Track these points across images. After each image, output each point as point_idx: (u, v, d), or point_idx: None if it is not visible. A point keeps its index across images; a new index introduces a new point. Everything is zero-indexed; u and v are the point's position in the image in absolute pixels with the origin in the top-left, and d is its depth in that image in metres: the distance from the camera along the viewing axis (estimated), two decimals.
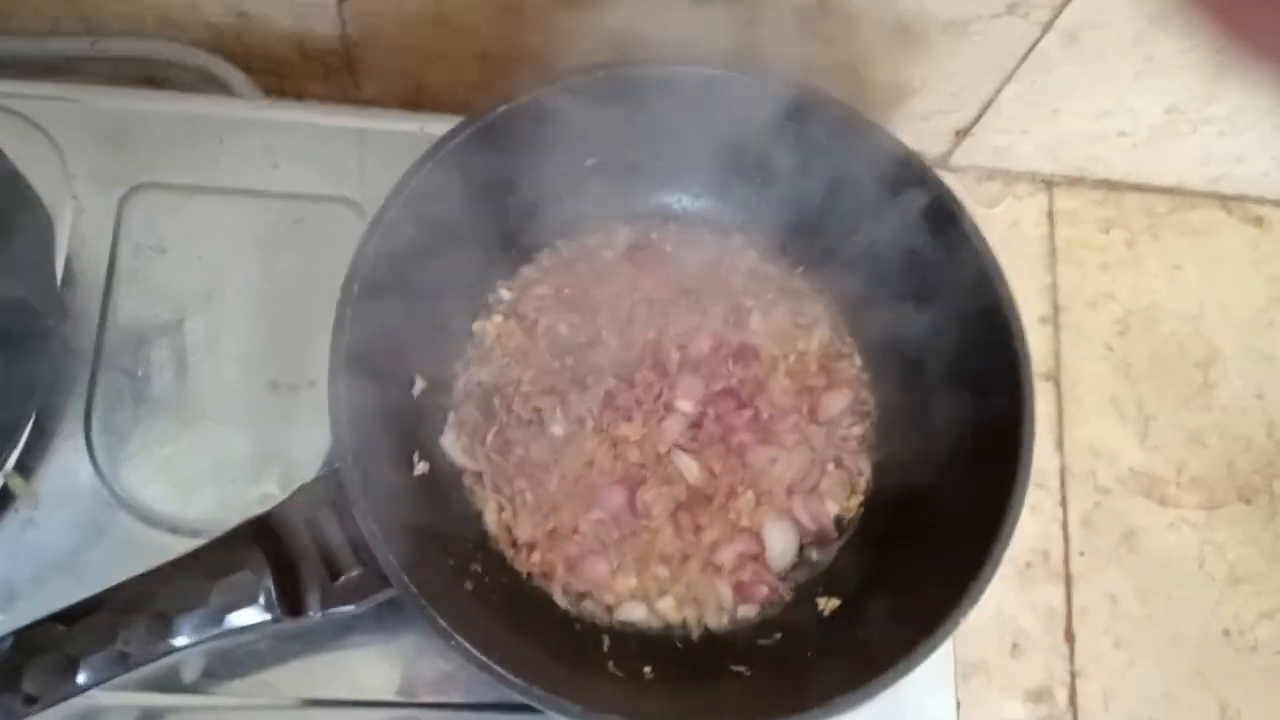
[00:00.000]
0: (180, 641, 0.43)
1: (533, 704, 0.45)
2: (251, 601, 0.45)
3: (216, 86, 0.67)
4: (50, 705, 0.42)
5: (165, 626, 0.43)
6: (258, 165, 0.60)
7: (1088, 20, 0.60)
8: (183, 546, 0.49)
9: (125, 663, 0.42)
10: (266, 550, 0.46)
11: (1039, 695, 0.66)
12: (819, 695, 0.48)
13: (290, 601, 0.45)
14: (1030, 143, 0.74)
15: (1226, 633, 0.69)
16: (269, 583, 0.45)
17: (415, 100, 0.71)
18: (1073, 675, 0.67)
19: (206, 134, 0.60)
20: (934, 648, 0.48)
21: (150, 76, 0.68)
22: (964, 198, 0.56)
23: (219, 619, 0.44)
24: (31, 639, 0.42)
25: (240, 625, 0.45)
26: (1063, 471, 0.71)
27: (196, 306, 0.57)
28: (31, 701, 0.41)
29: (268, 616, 0.45)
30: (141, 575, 0.45)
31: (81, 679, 0.42)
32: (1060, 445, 0.71)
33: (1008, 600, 0.67)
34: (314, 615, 0.46)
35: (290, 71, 0.69)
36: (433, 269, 0.54)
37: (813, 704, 0.48)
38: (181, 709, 0.51)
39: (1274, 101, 0.67)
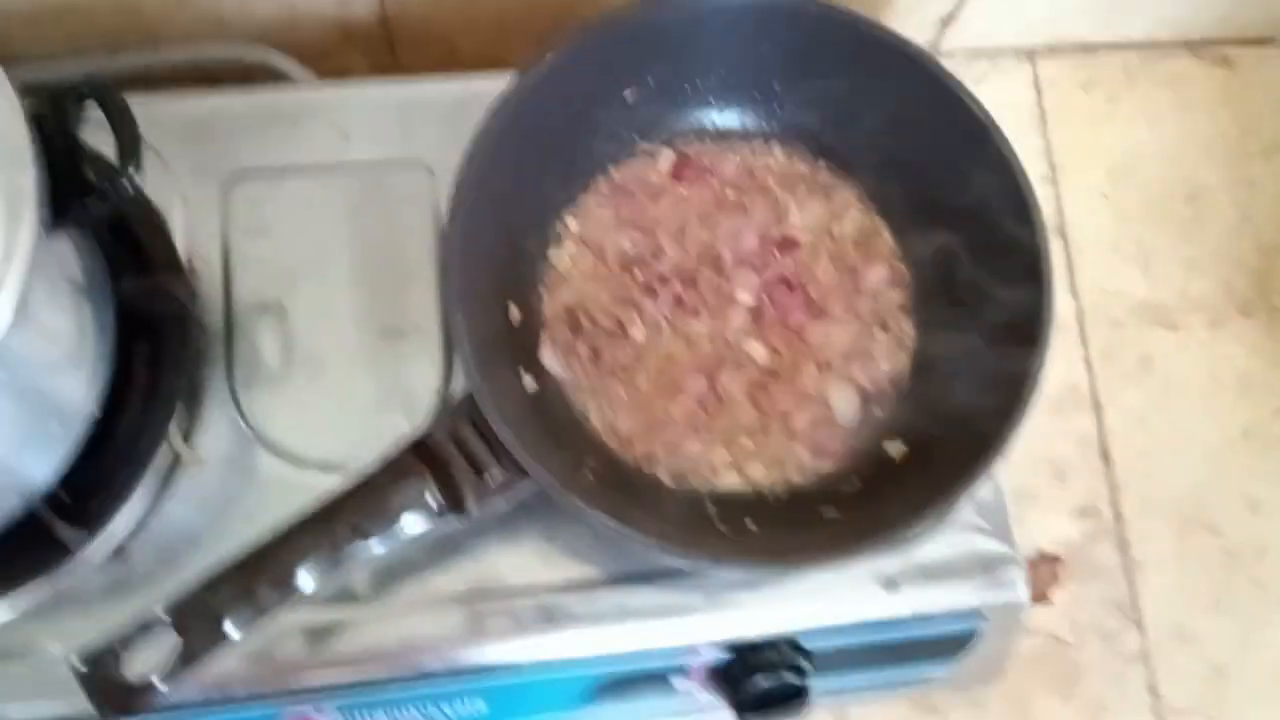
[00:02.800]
0: (374, 545, 0.52)
1: (666, 556, 0.53)
2: (422, 505, 0.53)
3: (272, 77, 0.74)
4: (280, 608, 0.50)
5: (359, 533, 0.51)
6: (330, 141, 0.67)
7: None
8: (331, 481, 0.57)
9: (333, 566, 0.51)
10: (426, 464, 0.54)
11: (1085, 512, 0.75)
12: (900, 520, 0.56)
13: (453, 502, 0.54)
14: (1008, 21, 0.81)
15: (1245, 433, 0.77)
16: (433, 489, 0.53)
17: (448, 62, 0.78)
18: (1112, 490, 0.75)
19: (279, 120, 0.67)
20: (989, 466, 0.56)
21: (208, 76, 0.75)
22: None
23: (398, 522, 0.52)
24: (254, 560, 0.50)
25: (416, 526, 0.53)
26: (1079, 313, 0.79)
27: (305, 274, 0.64)
28: (263, 608, 0.49)
29: (437, 516, 0.53)
30: (332, 497, 0.53)
31: (301, 584, 0.50)
32: (1073, 290, 0.79)
33: (1046, 433, 0.76)
34: (473, 511, 0.54)
35: (334, 52, 0.75)
36: (509, 211, 0.62)
37: (892, 529, 0.56)
38: (358, 619, 0.59)
39: None
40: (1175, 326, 0.78)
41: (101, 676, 0.48)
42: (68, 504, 0.56)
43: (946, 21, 0.80)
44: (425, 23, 0.73)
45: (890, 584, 0.62)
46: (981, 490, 0.64)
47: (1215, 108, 0.84)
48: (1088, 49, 0.84)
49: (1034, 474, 0.75)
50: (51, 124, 0.49)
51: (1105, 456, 0.76)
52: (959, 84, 0.62)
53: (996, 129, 0.61)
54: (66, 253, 0.55)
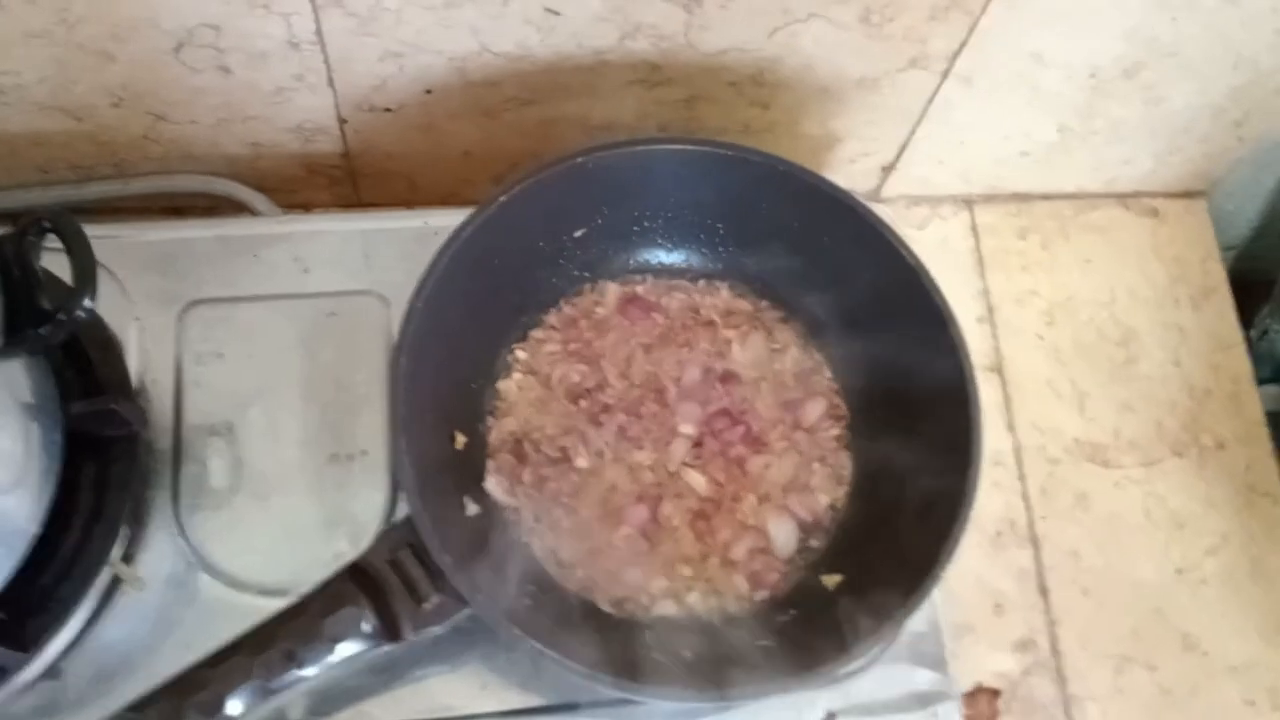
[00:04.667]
0: (307, 671, 0.52)
1: (601, 686, 0.54)
2: (357, 632, 0.53)
3: (237, 208, 0.76)
4: None
5: (292, 660, 0.51)
6: (290, 272, 0.69)
7: (977, 66, 0.71)
8: (272, 605, 0.57)
9: (265, 693, 0.51)
10: (362, 589, 0.54)
11: (1023, 645, 0.75)
12: (836, 652, 0.57)
13: (388, 628, 0.54)
14: (947, 170, 0.84)
15: (1179, 571, 0.78)
16: (369, 614, 0.54)
17: (408, 197, 0.80)
18: (1050, 624, 0.76)
19: (241, 251, 0.69)
20: (922, 598, 0.58)
21: (175, 206, 0.77)
22: (894, 222, 0.66)
23: (333, 649, 0.53)
24: (184, 684, 0.50)
25: (351, 653, 0.53)
26: (1016, 449, 0.80)
27: (256, 399, 0.66)
28: None
29: (372, 643, 0.54)
30: (265, 621, 0.53)
31: (231, 711, 0.50)
32: (1011, 426, 0.81)
33: (984, 566, 0.77)
34: (409, 637, 0.54)
35: (299, 186, 0.78)
36: (459, 340, 0.64)
37: (827, 659, 0.57)
38: None
39: (1144, 111, 0.78)
40: (1110, 464, 0.80)
41: None
42: (3, 622, 0.56)
43: (888, 170, 0.84)
44: (387, 159, 0.76)
45: (828, 716, 0.63)
46: (918, 623, 0.65)
47: (1145, 256, 0.87)
48: (1022, 198, 0.88)
49: (973, 607, 0.75)
50: (10, 251, 0.51)
51: (1043, 591, 0.77)
52: (891, 230, 0.65)
53: (925, 273, 0.64)
54: (17, 375, 0.56)
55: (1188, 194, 0.90)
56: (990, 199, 0.88)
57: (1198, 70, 0.76)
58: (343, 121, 0.72)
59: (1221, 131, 0.83)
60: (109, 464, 0.61)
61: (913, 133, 0.78)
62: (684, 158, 0.66)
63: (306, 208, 0.80)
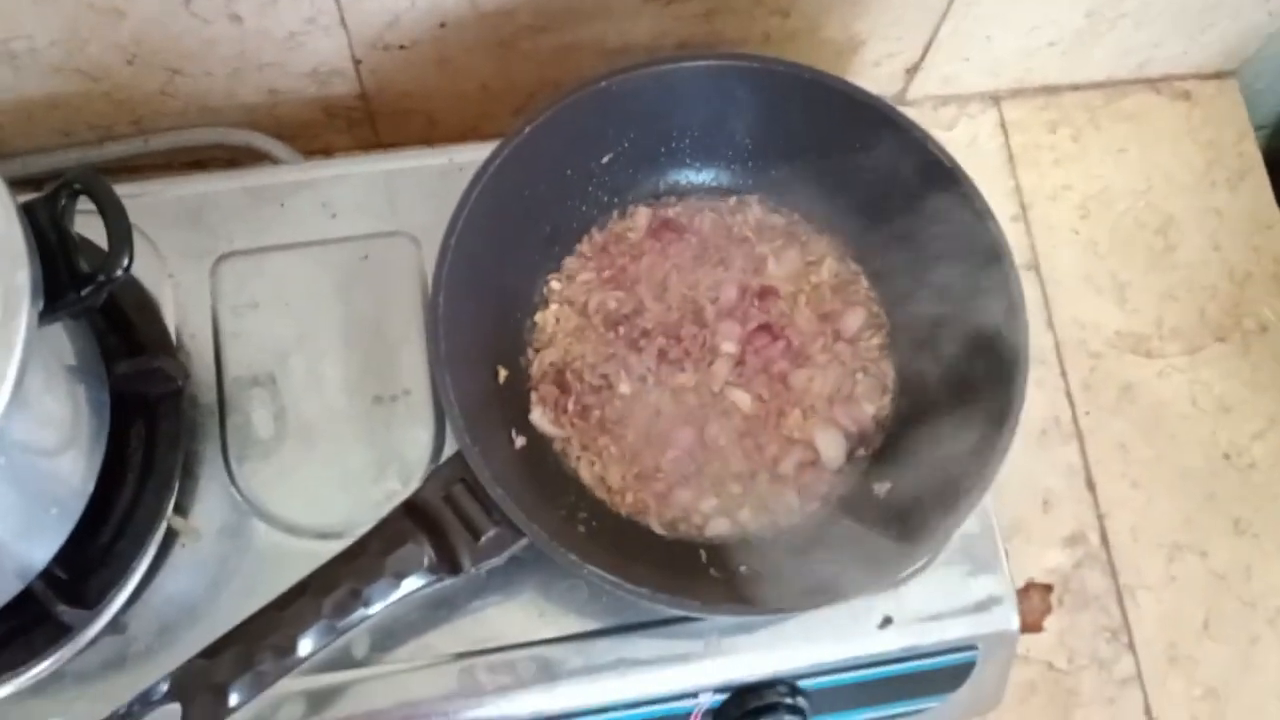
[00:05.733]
0: (372, 609, 0.53)
1: (659, 606, 0.54)
2: (419, 567, 0.54)
3: (259, 158, 0.76)
4: (279, 678, 0.51)
5: (358, 598, 0.52)
6: (317, 218, 0.69)
7: None
8: (328, 548, 0.58)
9: (333, 632, 0.52)
10: (420, 526, 0.55)
11: (1074, 540, 0.76)
12: (891, 559, 0.58)
13: (448, 563, 0.55)
14: (973, 67, 0.83)
15: (1226, 456, 0.78)
16: (429, 550, 0.54)
17: (429, 135, 0.80)
18: (1100, 518, 0.76)
19: (267, 200, 0.69)
20: (975, 501, 0.58)
21: (197, 160, 0.77)
22: (923, 122, 0.65)
23: (396, 585, 0.53)
24: (255, 627, 0.51)
25: (413, 589, 0.54)
26: (1057, 346, 0.80)
27: (295, 346, 0.66)
28: (264, 676, 0.50)
29: (433, 577, 0.54)
30: (329, 562, 0.54)
31: (302, 651, 0.51)
32: (1050, 324, 0.80)
33: (1031, 465, 0.77)
34: (469, 570, 0.55)
35: (318, 131, 0.77)
36: (494, 276, 0.63)
37: (882, 567, 0.57)
38: (358, 681, 0.60)
39: None
40: (1152, 355, 0.80)
41: None
42: (65, 582, 0.57)
43: (913, 71, 0.82)
44: (404, 97, 0.76)
45: (884, 621, 0.63)
46: (970, 524, 0.65)
47: (1179, 140, 0.86)
48: (1051, 90, 0.86)
49: (1022, 505, 0.76)
50: (44, 217, 0.51)
51: (1090, 485, 0.77)
52: (923, 131, 0.64)
53: (961, 172, 0.63)
54: (61, 340, 0.56)
55: (1219, 74, 0.88)
56: (1018, 93, 0.86)
57: None
58: (357, 62, 0.71)
59: (1251, 6, 0.81)
60: (156, 421, 0.62)
61: (937, 30, 0.77)
62: (707, 73, 0.65)
63: (328, 152, 0.79)
